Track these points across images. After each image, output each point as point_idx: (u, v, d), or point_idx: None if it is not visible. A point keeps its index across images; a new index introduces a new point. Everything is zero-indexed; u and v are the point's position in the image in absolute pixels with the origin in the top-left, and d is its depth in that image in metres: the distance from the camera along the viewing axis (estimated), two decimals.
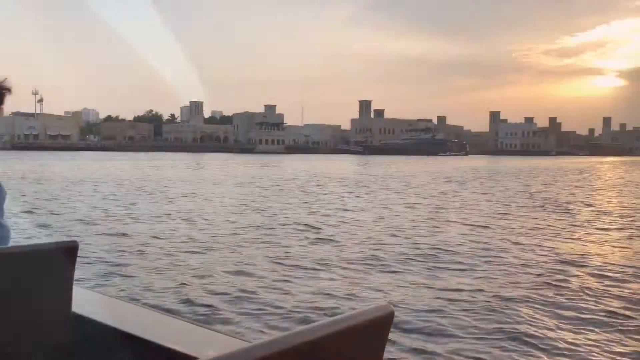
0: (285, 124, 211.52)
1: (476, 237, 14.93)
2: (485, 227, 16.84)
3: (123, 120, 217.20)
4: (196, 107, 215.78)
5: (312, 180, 40.92)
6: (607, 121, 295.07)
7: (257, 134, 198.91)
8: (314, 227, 16.21)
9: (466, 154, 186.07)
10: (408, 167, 68.65)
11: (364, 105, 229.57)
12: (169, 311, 5.12)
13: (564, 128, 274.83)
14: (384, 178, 44.93)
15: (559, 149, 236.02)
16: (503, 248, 13.24)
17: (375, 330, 1.17)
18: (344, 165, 76.70)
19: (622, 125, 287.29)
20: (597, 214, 21.13)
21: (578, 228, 17.18)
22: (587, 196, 30.49)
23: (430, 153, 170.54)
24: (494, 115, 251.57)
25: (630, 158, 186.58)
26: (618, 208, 23.56)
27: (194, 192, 28.46)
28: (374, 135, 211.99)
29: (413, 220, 18.30)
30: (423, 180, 43.04)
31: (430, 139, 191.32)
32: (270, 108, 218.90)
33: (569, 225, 17.78)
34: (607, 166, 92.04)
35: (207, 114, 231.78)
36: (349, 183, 38.04)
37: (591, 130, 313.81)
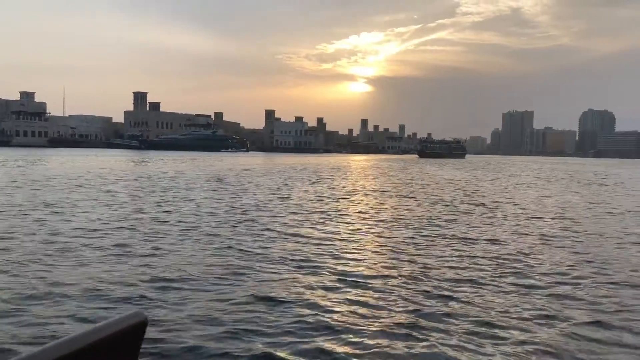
0: (48, 114, 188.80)
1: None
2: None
3: None
4: None
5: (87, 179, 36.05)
6: (364, 123, 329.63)
7: (13, 124, 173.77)
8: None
9: (247, 151, 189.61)
10: (185, 165, 66.87)
11: (139, 97, 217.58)
12: None
13: (328, 128, 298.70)
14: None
15: (326, 147, 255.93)
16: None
17: (128, 339, 1.14)
18: (115, 162, 70.76)
19: (376, 127, 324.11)
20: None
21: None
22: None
23: (212, 149, 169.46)
24: (270, 114, 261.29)
25: (384, 156, 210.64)
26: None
27: None
28: (150, 129, 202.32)
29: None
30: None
31: (212, 135, 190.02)
32: (27, 95, 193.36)
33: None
34: (361, 162, 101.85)
35: None
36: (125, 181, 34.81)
37: (350, 130, 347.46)
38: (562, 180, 53.94)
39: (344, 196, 28.77)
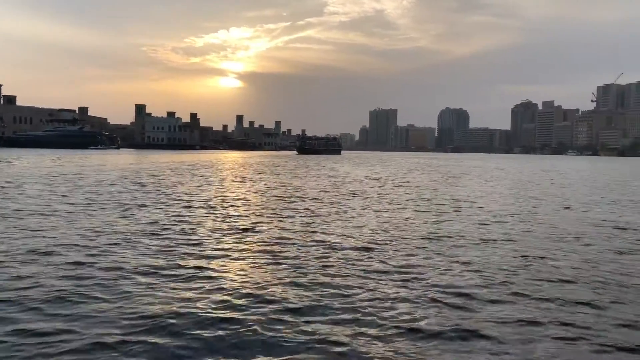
0: None
1: None
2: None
3: None
4: None
5: None
6: (239, 118, 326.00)
7: None
8: None
9: (118, 148, 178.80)
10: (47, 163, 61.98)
11: None
12: None
13: (202, 123, 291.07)
14: None
15: (202, 143, 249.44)
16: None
17: None
18: None
19: (252, 123, 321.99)
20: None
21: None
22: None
23: (79, 146, 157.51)
24: (140, 109, 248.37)
25: (262, 152, 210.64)
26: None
27: None
28: (7, 125, 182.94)
29: None
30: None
31: (78, 131, 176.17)
32: None
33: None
34: (243, 159, 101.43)
35: None
36: None
37: (225, 126, 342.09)
38: (494, 178, 57.48)
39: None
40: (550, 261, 12.22)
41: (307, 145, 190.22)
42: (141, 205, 21.47)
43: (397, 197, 27.77)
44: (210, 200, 24.24)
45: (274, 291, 9.17)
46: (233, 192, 29.21)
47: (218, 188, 32.13)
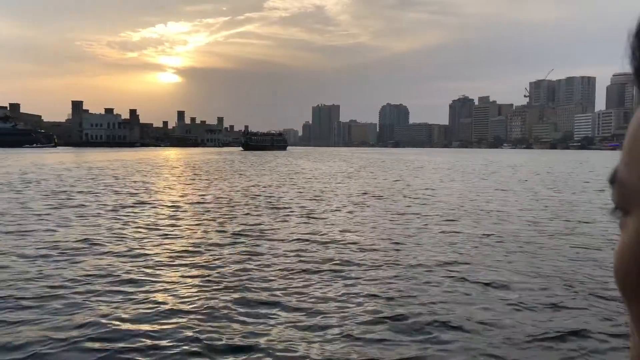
0: None
1: None
2: None
3: None
4: None
5: None
6: (180, 115, 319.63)
7: None
8: None
9: (55, 146, 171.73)
10: None
11: None
12: None
13: (142, 120, 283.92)
14: None
15: (142, 140, 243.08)
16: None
17: None
18: None
19: (193, 119, 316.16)
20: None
21: None
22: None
23: (12, 145, 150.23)
24: (77, 105, 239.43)
25: (206, 149, 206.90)
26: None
27: None
28: None
29: None
30: None
31: (12, 128, 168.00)
32: None
33: None
34: (190, 157, 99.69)
35: None
36: None
37: (166, 123, 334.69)
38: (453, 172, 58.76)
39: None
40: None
41: (253, 142, 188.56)
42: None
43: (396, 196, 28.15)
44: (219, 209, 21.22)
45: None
46: (221, 195, 28.70)
47: (195, 189, 31.53)
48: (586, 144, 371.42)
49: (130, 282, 9.77)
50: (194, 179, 38.39)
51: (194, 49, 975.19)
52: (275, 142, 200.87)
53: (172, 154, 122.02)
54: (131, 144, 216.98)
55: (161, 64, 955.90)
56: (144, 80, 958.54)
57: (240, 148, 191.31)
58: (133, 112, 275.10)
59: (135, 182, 34.82)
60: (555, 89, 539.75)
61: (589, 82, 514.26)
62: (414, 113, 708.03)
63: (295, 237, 14.23)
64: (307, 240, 13.92)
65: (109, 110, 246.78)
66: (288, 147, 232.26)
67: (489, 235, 14.91)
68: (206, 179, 38.22)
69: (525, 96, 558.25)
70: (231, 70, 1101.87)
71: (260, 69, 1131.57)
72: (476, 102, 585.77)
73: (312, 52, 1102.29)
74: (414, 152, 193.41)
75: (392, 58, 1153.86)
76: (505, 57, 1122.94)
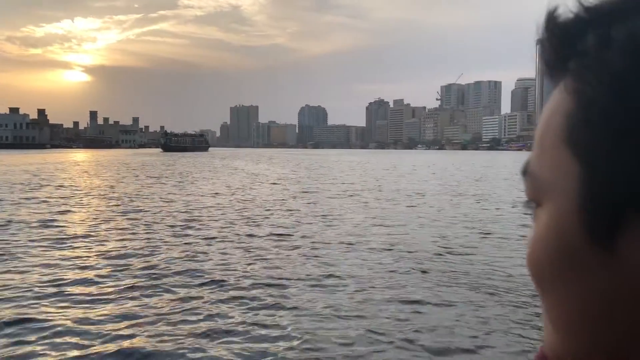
0: None
1: None
2: None
3: None
4: None
5: None
6: (93, 115, 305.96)
7: None
8: None
9: None
10: None
11: None
12: None
13: (52, 120, 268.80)
14: None
15: (52, 141, 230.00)
16: None
17: None
18: None
19: (106, 119, 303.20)
20: None
21: None
22: None
23: None
24: None
25: (122, 150, 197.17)
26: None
27: None
28: None
29: None
30: None
31: None
32: None
33: None
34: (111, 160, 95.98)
35: None
36: None
37: (76, 123, 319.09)
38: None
39: None
40: None
41: (173, 142, 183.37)
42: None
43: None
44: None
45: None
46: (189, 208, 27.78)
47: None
48: (494, 144, 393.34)
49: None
50: (153, 186, 36.84)
51: (105, 47, 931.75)
52: (196, 142, 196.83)
53: (87, 156, 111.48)
54: (41, 146, 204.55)
55: (68, 62, 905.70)
56: (51, 78, 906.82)
57: (159, 149, 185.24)
58: (42, 112, 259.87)
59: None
60: (465, 92, 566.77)
61: (495, 86, 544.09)
62: (332, 114, 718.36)
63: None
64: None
65: (14, 110, 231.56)
66: (210, 148, 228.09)
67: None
68: (173, 184, 36.65)
69: (437, 99, 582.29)
70: (145, 69, 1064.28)
71: (176, 69, 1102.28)
72: (391, 105, 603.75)
73: (228, 52, 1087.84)
74: (337, 153, 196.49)
75: (309, 60, 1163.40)
76: (417, 60, 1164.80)
